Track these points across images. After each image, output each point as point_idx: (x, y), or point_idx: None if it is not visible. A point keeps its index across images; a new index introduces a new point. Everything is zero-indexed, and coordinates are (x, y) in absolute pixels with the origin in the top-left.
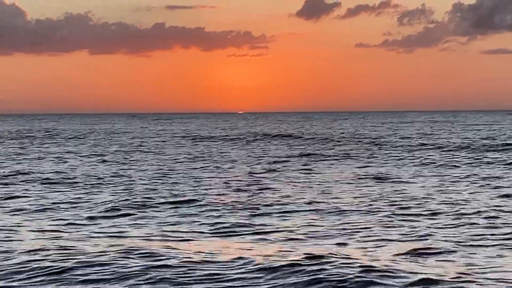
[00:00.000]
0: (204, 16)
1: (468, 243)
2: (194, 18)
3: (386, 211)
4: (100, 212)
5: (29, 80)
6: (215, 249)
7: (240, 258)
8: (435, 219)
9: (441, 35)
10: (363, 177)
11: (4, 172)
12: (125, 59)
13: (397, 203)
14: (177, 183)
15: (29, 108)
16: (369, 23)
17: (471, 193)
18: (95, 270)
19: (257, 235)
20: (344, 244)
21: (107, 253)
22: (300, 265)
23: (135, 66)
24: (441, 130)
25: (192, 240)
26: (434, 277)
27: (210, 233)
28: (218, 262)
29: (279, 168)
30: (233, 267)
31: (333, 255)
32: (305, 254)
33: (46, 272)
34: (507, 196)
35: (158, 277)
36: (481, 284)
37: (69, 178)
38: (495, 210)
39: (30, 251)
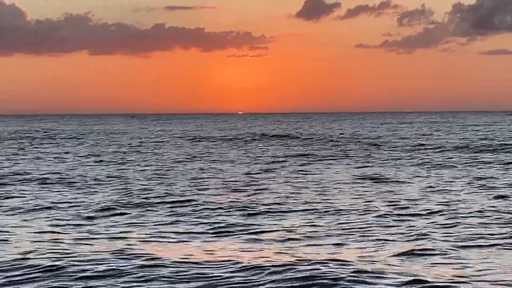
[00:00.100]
0: (204, 16)
1: (464, 244)
2: (194, 18)
3: (383, 211)
4: (96, 212)
5: (29, 81)
6: (211, 249)
7: (235, 258)
8: (431, 219)
9: (441, 35)
10: (361, 177)
11: (2, 172)
12: (125, 60)
13: (394, 203)
14: (175, 184)
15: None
16: (369, 24)
17: (467, 194)
18: (90, 269)
19: (253, 235)
20: (340, 245)
21: (103, 252)
22: (294, 265)
23: (134, 66)
24: (440, 130)
25: (188, 240)
26: (429, 278)
27: (206, 233)
28: (214, 262)
29: (277, 168)
30: (227, 267)
31: (328, 256)
32: (300, 254)
33: (42, 270)
34: (503, 196)
35: (153, 277)
36: (476, 285)
37: (66, 179)
38: (491, 210)
39: (26, 249)
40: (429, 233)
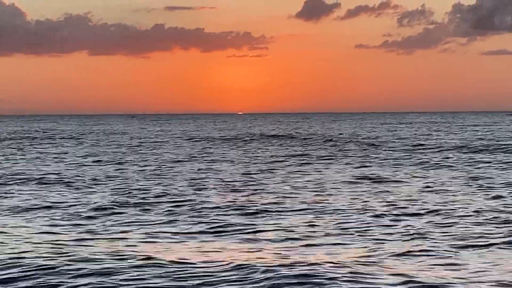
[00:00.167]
0: (203, 17)
1: (461, 244)
2: (194, 19)
3: (380, 211)
4: (95, 211)
5: (29, 81)
6: (208, 249)
7: (232, 258)
8: (429, 219)
9: (441, 36)
10: (359, 177)
11: (1, 172)
12: (125, 60)
13: (392, 203)
14: (174, 183)
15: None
16: (369, 24)
17: (465, 194)
18: (87, 268)
19: (251, 235)
20: (338, 245)
21: (100, 252)
22: (291, 265)
23: (134, 67)
24: (439, 131)
25: (185, 240)
26: (426, 279)
27: (204, 233)
28: (210, 261)
29: (275, 168)
30: (224, 266)
31: (325, 256)
32: (297, 254)
33: (39, 269)
34: (500, 197)
35: (150, 276)
36: (473, 285)
37: (65, 179)
38: (488, 210)
39: (23, 249)
40: (427, 233)
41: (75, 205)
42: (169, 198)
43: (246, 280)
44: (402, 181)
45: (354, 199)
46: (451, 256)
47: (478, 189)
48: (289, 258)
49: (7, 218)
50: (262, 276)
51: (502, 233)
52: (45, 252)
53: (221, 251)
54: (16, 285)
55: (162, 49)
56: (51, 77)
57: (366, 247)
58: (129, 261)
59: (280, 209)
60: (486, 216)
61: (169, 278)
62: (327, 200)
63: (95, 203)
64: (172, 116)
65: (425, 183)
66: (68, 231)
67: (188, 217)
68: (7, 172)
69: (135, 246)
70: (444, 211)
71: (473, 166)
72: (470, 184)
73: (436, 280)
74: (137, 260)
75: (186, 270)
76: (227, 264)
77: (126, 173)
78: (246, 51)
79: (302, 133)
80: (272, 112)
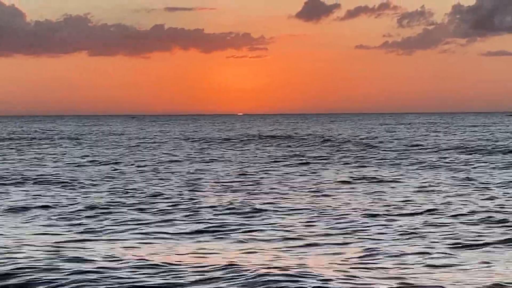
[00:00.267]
0: (203, 17)
1: (456, 245)
2: (194, 19)
3: (377, 211)
4: (91, 211)
5: (28, 82)
6: (203, 249)
7: (225, 258)
8: (424, 219)
9: (440, 36)
10: (357, 178)
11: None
12: (124, 61)
13: (388, 203)
14: (171, 184)
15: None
16: (368, 25)
17: (460, 195)
18: (81, 268)
19: (246, 235)
20: (334, 245)
21: (95, 252)
22: (286, 267)
23: (134, 67)
24: (437, 131)
25: (180, 239)
26: (420, 281)
27: (200, 233)
28: (204, 262)
29: (273, 168)
30: (216, 266)
31: (318, 257)
32: (292, 255)
33: (34, 269)
34: (495, 197)
35: (145, 276)
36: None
37: (61, 179)
38: (483, 211)
39: (17, 248)
40: (423, 233)
41: (71, 204)
42: (166, 198)
43: (239, 281)
44: (399, 182)
45: (351, 199)
46: (447, 257)
47: (474, 190)
48: (284, 259)
49: (3, 218)
50: (256, 277)
51: (498, 233)
52: (41, 252)
53: (216, 251)
54: (8, 282)
55: (162, 49)
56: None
57: (361, 248)
58: (124, 261)
59: (277, 209)
60: (481, 216)
61: (164, 278)
62: (324, 200)
63: (91, 203)
64: (171, 116)
65: (421, 183)
66: (64, 231)
67: (185, 217)
68: (5, 172)
69: (131, 246)
70: (440, 212)
71: (469, 166)
72: (466, 184)
73: (432, 283)
74: (132, 260)
75: (181, 270)
76: (221, 264)
77: (123, 173)
78: (245, 52)
79: (301, 133)
80: (271, 113)
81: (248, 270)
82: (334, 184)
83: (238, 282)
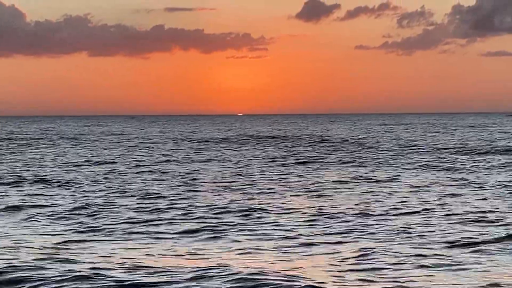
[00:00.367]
0: (203, 18)
1: (451, 244)
2: (193, 20)
3: (374, 211)
4: (88, 211)
5: (28, 82)
6: (198, 248)
7: (220, 258)
8: (420, 219)
9: (440, 37)
10: (354, 178)
11: None
12: (124, 61)
13: (385, 203)
14: (169, 184)
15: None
16: (368, 25)
17: (456, 195)
18: (73, 269)
19: (242, 235)
20: (330, 244)
21: (90, 253)
22: (279, 268)
23: (134, 68)
24: (435, 132)
25: (177, 239)
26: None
27: (195, 232)
28: (198, 261)
29: (270, 168)
30: (209, 266)
31: (315, 257)
32: (288, 255)
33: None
34: (490, 197)
35: (139, 276)
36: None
37: (59, 179)
38: (479, 211)
39: (13, 249)
40: (417, 233)
41: (69, 204)
42: (163, 198)
43: (235, 280)
44: (395, 182)
45: (348, 199)
46: (442, 257)
47: (470, 190)
48: (280, 259)
49: (0, 218)
50: (252, 276)
51: (492, 233)
52: (38, 251)
53: (212, 251)
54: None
55: (161, 50)
56: (50, 78)
57: (357, 247)
58: (120, 260)
59: (273, 209)
60: (476, 216)
61: (160, 277)
62: (320, 200)
63: (88, 203)
64: (171, 117)
65: (417, 183)
66: (61, 231)
67: (181, 216)
68: (4, 173)
69: (127, 245)
70: (435, 212)
71: (466, 166)
72: (462, 185)
73: (427, 283)
74: (129, 259)
75: (177, 269)
76: (216, 264)
77: (121, 173)
78: (245, 52)
79: (300, 134)
80: (271, 113)
81: (244, 269)
82: (331, 184)
83: (233, 281)
